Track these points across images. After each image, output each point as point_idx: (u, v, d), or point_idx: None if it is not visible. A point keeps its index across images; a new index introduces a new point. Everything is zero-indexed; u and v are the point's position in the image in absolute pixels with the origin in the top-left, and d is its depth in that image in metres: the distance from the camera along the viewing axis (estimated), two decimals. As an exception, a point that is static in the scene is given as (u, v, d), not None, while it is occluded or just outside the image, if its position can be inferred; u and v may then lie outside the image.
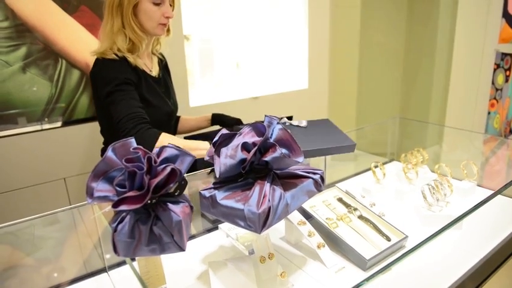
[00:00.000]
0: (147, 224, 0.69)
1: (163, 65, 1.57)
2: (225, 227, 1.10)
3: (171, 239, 0.71)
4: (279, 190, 0.79)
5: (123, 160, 0.65)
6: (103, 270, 1.02)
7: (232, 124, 1.62)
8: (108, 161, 0.67)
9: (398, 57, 3.39)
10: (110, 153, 0.67)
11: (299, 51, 2.92)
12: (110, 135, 1.45)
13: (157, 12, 1.32)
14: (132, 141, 0.70)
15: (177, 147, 0.70)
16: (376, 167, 1.39)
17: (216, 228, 1.13)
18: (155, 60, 1.52)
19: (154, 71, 1.48)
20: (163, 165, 0.67)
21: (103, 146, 1.53)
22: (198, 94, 2.48)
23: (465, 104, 3.42)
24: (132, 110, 1.24)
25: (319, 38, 2.94)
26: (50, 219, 1.04)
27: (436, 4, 3.14)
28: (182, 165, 0.70)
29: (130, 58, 1.34)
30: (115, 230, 0.69)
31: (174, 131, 1.66)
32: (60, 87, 1.82)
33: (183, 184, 0.72)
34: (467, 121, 3.48)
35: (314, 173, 0.87)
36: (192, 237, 1.12)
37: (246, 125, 1.48)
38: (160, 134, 1.23)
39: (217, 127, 1.67)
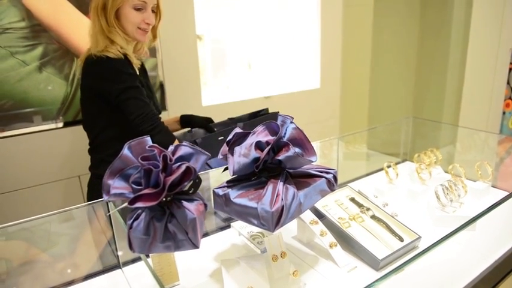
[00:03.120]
0: (162, 221, 0.70)
1: (143, 68, 1.56)
2: (238, 225, 1.11)
3: (186, 236, 0.72)
4: (292, 189, 0.80)
5: (139, 158, 0.66)
6: (117, 266, 1.03)
7: (201, 124, 1.60)
8: (124, 159, 0.69)
9: (411, 56, 3.36)
10: (126, 151, 0.69)
11: (311, 50, 2.91)
12: (95, 134, 1.46)
13: (137, 17, 1.34)
14: (148, 140, 0.71)
15: (192, 145, 0.71)
16: (389, 166, 1.39)
17: (229, 226, 1.14)
18: (137, 62, 1.52)
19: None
20: (179, 163, 0.68)
21: (89, 147, 1.51)
22: (211, 93, 2.50)
23: (479, 103, 3.38)
24: (146, 109, 1.31)
25: (332, 38, 2.93)
26: (65, 216, 1.06)
27: (450, 3, 3.11)
28: (197, 163, 0.71)
29: (132, 58, 1.36)
30: (131, 227, 0.70)
31: None
32: (76, 86, 1.85)
33: (197, 182, 0.73)
34: (481, 121, 3.44)
35: (327, 173, 0.88)
36: (204, 235, 1.13)
37: (217, 123, 1.47)
38: (174, 141, 1.32)
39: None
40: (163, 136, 1.32)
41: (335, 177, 0.88)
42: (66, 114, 1.86)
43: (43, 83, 1.77)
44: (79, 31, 1.81)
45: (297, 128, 0.84)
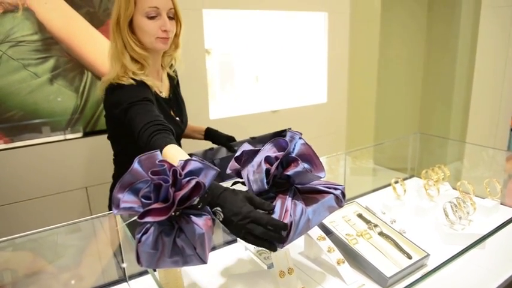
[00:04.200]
0: (170, 236, 0.70)
1: (175, 82, 1.49)
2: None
3: (194, 252, 0.71)
4: (300, 205, 0.80)
5: (149, 172, 0.67)
6: (123, 279, 1.03)
7: (223, 142, 1.54)
8: (134, 173, 0.69)
9: (418, 71, 3.37)
10: (136, 165, 0.69)
11: (318, 65, 2.93)
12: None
13: (152, 25, 1.24)
14: (158, 154, 0.71)
15: (202, 160, 0.71)
16: (396, 182, 1.38)
17: (235, 240, 1.13)
18: (165, 77, 1.45)
19: (164, 91, 1.41)
20: (188, 178, 0.69)
21: (113, 157, 1.46)
22: (218, 107, 2.51)
23: (487, 120, 3.36)
24: (150, 119, 1.12)
25: (339, 53, 2.94)
26: (72, 228, 1.06)
27: (456, 18, 3.12)
28: (206, 178, 0.71)
29: (149, 81, 1.27)
30: (139, 241, 0.70)
31: None
32: (85, 99, 1.87)
33: (206, 197, 0.73)
34: (489, 137, 3.41)
35: (335, 189, 0.87)
36: (211, 249, 1.13)
37: (239, 142, 1.41)
38: (167, 145, 1.06)
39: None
40: (160, 139, 1.10)
41: (343, 194, 0.88)
42: (75, 126, 1.88)
43: (54, 95, 1.79)
44: (90, 44, 1.84)
45: (306, 144, 0.84)
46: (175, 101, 1.46)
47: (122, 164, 1.44)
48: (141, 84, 1.26)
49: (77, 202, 1.95)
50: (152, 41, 1.27)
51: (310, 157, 0.82)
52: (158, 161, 0.69)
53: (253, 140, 1.53)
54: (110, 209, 1.40)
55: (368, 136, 3.22)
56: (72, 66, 1.81)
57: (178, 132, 1.41)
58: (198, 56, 2.23)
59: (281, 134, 1.60)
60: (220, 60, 2.53)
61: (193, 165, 0.71)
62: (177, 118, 1.43)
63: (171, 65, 1.48)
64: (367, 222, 1.13)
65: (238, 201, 0.76)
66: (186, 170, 0.71)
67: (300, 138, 0.83)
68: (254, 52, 2.66)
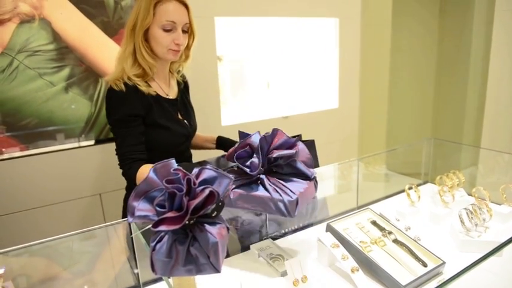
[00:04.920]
0: (184, 245, 0.70)
1: (182, 87, 1.55)
2: (257, 247, 1.11)
3: (207, 260, 0.71)
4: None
5: (163, 181, 0.67)
6: (137, 287, 1.03)
7: None
8: (149, 181, 0.69)
9: (430, 76, 3.34)
10: (151, 173, 0.70)
11: (330, 71, 2.92)
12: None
13: (166, 38, 1.31)
14: (173, 163, 0.72)
15: (216, 169, 0.71)
16: (410, 189, 1.36)
17: (248, 248, 1.13)
18: (173, 82, 1.51)
19: (171, 93, 1.46)
20: (202, 187, 0.69)
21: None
22: (230, 113, 2.52)
23: (502, 124, 3.30)
24: (122, 150, 1.30)
25: (350, 58, 2.93)
26: (87, 235, 1.07)
27: (469, 22, 3.09)
28: (220, 187, 0.71)
29: (142, 87, 1.33)
30: (153, 249, 0.70)
31: None
32: (99, 106, 1.89)
33: (220, 205, 0.73)
34: (504, 142, 3.36)
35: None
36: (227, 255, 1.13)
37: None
38: (139, 169, 1.27)
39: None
40: (128, 176, 1.32)
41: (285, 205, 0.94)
42: (90, 134, 1.90)
43: (69, 103, 1.82)
44: (104, 53, 1.86)
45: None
46: (182, 105, 1.50)
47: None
48: (131, 92, 1.31)
49: (91, 208, 1.97)
50: (164, 51, 1.34)
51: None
52: (173, 170, 0.69)
53: (223, 158, 1.53)
54: (124, 218, 1.43)
55: (380, 142, 3.19)
56: (87, 74, 1.84)
57: (185, 133, 1.46)
58: (210, 63, 2.24)
59: None
60: (231, 67, 2.54)
61: (208, 173, 0.71)
62: (185, 121, 1.47)
63: (179, 70, 1.55)
64: (381, 229, 1.12)
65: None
66: (200, 179, 0.71)
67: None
68: (265, 58, 2.67)
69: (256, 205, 0.95)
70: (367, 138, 3.14)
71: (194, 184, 0.68)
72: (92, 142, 1.92)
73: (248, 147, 0.97)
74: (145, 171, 1.22)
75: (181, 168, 0.72)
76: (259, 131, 0.99)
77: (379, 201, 1.49)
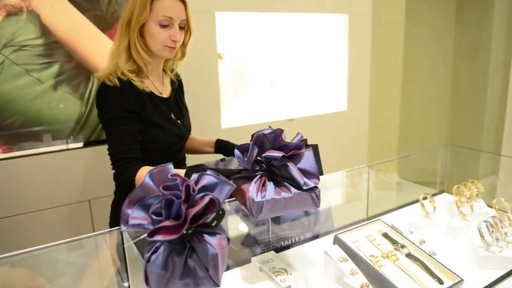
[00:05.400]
0: (181, 256, 0.70)
1: (176, 86, 1.58)
2: (259, 259, 1.10)
3: (206, 274, 0.71)
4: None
5: (160, 187, 0.67)
6: (128, 301, 1.03)
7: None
8: (145, 187, 0.69)
9: (446, 76, 3.34)
10: (147, 179, 0.69)
11: (338, 70, 2.93)
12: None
13: (163, 34, 1.34)
14: (170, 167, 0.72)
15: (217, 175, 0.71)
16: (425, 199, 1.36)
17: (249, 261, 1.13)
18: (167, 81, 1.55)
19: (165, 92, 1.50)
20: (202, 194, 0.69)
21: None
22: (230, 115, 2.52)
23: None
24: (119, 149, 1.31)
25: (360, 57, 2.94)
26: (75, 244, 1.07)
27: (489, 19, 3.10)
28: (221, 194, 0.71)
29: (137, 82, 1.36)
30: (148, 261, 0.70)
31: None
32: (91, 106, 1.89)
33: (220, 214, 0.73)
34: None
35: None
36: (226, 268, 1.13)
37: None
38: (138, 170, 1.29)
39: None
40: (123, 177, 1.33)
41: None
42: (78, 136, 1.90)
43: (57, 102, 1.82)
44: (97, 49, 1.87)
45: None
46: (176, 104, 1.53)
47: None
48: (125, 87, 1.34)
49: (79, 216, 1.96)
50: (160, 48, 1.37)
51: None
52: (171, 175, 0.69)
53: (222, 162, 1.54)
54: (112, 226, 1.44)
55: (392, 147, 3.19)
56: (78, 72, 1.85)
57: (179, 133, 1.49)
58: (210, 61, 2.25)
59: None
60: (233, 65, 2.55)
61: (208, 180, 0.71)
62: (178, 121, 1.51)
63: (172, 69, 1.58)
64: (394, 242, 1.11)
65: None
66: (199, 185, 0.71)
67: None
68: (269, 57, 2.67)
69: (238, 196, 1.04)
70: (378, 143, 3.14)
71: (193, 191, 0.68)
72: (81, 144, 1.92)
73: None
74: (144, 174, 1.23)
75: (179, 173, 0.72)
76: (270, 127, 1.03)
77: (391, 212, 1.49)
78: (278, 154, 0.97)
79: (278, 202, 0.97)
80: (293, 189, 0.98)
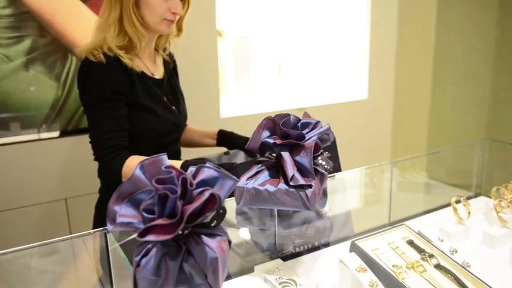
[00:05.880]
0: (176, 260, 0.71)
1: (170, 68, 1.60)
2: (264, 268, 1.12)
3: (204, 280, 0.73)
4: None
5: (153, 181, 0.68)
6: (113, 313, 1.04)
7: (241, 145, 1.59)
8: (135, 181, 0.71)
9: (487, 62, 3.33)
10: (137, 171, 0.71)
11: (357, 53, 2.93)
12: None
13: (162, 5, 1.35)
14: (164, 158, 0.73)
15: (218, 168, 0.72)
16: (458, 202, 1.37)
17: (252, 270, 1.14)
18: (159, 61, 1.57)
19: (157, 73, 1.52)
20: (200, 189, 0.70)
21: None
22: (231, 102, 2.53)
23: None
24: (103, 136, 1.33)
25: (384, 38, 2.94)
26: (49, 249, 1.08)
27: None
28: (222, 190, 0.72)
29: (125, 59, 1.37)
30: (138, 265, 0.71)
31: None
32: (68, 89, 1.91)
33: (221, 213, 0.74)
34: None
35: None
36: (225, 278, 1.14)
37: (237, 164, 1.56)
38: (127, 159, 1.31)
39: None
40: (108, 167, 1.35)
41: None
42: (54, 123, 1.92)
43: (29, 84, 1.83)
44: (76, 22, 1.88)
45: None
46: (170, 88, 1.56)
47: None
48: (112, 64, 1.35)
49: (54, 216, 1.98)
50: (157, 21, 1.38)
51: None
52: (165, 167, 0.70)
53: (226, 156, 1.56)
54: (96, 228, 1.45)
55: (420, 142, 3.19)
56: (53, 48, 1.86)
57: (174, 121, 1.50)
58: (208, 39, 2.25)
59: None
60: (234, 45, 2.56)
61: (207, 173, 0.72)
62: (173, 107, 1.52)
63: (165, 48, 1.59)
64: (420, 251, 1.13)
65: None
66: (198, 179, 0.72)
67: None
68: (277, 36, 2.68)
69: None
70: (404, 137, 3.15)
71: (191, 185, 0.69)
72: (57, 134, 1.94)
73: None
74: (133, 164, 1.25)
75: (174, 165, 0.73)
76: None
77: (418, 216, 1.50)
78: (271, 140, 1.02)
79: (260, 194, 1.01)
80: (281, 184, 1.01)
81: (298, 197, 1.00)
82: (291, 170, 1.00)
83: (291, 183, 0.99)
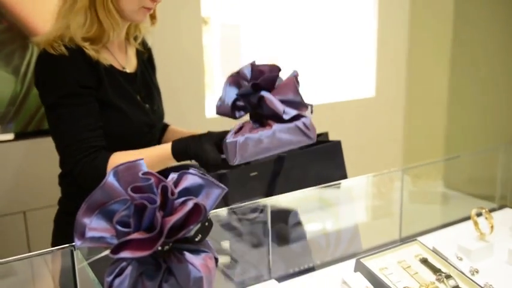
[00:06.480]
0: (155, 280, 0.72)
1: (144, 59, 1.60)
2: (256, 292, 1.12)
3: (187, 304, 0.73)
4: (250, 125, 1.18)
5: (128, 189, 0.69)
6: None
7: None
8: (108, 189, 0.71)
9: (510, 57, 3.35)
10: (111, 178, 0.71)
11: (363, 44, 2.94)
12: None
13: None
14: (141, 164, 0.74)
15: (202, 175, 0.73)
16: (479, 215, 1.38)
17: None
18: (132, 52, 1.56)
19: (128, 67, 1.51)
20: (183, 199, 0.70)
21: (61, 170, 1.53)
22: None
23: None
24: (79, 137, 1.31)
25: (394, 25, 2.96)
26: (4, 269, 1.07)
27: None
28: (208, 199, 0.73)
29: (90, 51, 1.36)
30: (110, 286, 0.72)
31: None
32: (29, 84, 1.90)
33: (207, 226, 0.75)
34: None
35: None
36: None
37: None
38: (109, 157, 1.32)
39: None
40: (89, 172, 1.33)
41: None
42: (10, 124, 1.91)
43: (-19, 78, 1.83)
44: (39, 6, 1.87)
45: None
46: (143, 83, 1.55)
47: (71, 182, 1.48)
48: (76, 56, 1.33)
49: (9, 232, 1.97)
50: (134, 10, 1.36)
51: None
52: (142, 174, 0.71)
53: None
54: (55, 246, 1.44)
55: (436, 146, 3.20)
56: (11, 36, 1.85)
57: (147, 121, 1.49)
58: (191, 27, 2.25)
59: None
60: (222, 34, 2.56)
61: (191, 180, 0.73)
62: (147, 105, 1.51)
63: (136, 37, 1.57)
64: (436, 271, 1.14)
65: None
66: (180, 187, 0.73)
67: None
68: (272, 24, 2.68)
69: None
70: (417, 140, 3.16)
71: (172, 194, 0.70)
72: (11, 136, 1.93)
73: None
74: (116, 161, 1.27)
75: (153, 172, 0.74)
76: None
77: (433, 231, 1.51)
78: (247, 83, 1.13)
79: (259, 143, 1.07)
80: (275, 125, 1.08)
81: (297, 130, 1.08)
82: (279, 105, 1.07)
83: (285, 117, 1.07)
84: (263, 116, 1.13)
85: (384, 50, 2.93)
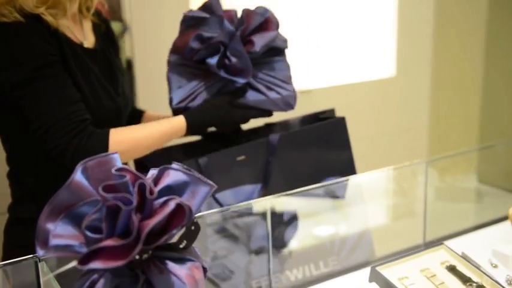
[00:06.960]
0: (132, 294, 0.71)
1: (102, 32, 1.58)
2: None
3: (169, 321, 0.73)
4: None
5: (99, 188, 0.68)
6: None
7: (221, 133, 1.59)
8: (75, 189, 0.70)
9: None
10: (78, 175, 0.70)
11: (381, 18, 2.93)
12: (19, 155, 1.46)
13: None
14: (115, 158, 0.73)
15: (187, 170, 0.72)
16: (517, 214, 1.38)
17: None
18: (87, 26, 1.54)
19: (87, 41, 1.49)
20: (164, 199, 0.70)
21: (9, 168, 1.50)
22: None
23: None
24: (63, 112, 1.27)
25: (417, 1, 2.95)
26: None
27: None
28: (193, 199, 0.72)
29: (48, 16, 1.32)
30: (80, 302, 0.72)
31: None
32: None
33: (193, 230, 0.74)
34: None
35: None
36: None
37: (248, 131, 1.67)
38: (109, 134, 1.30)
39: None
40: (86, 153, 1.22)
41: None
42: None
43: None
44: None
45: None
46: (104, 61, 1.53)
47: (28, 172, 1.46)
48: (34, 23, 1.30)
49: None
50: None
51: None
52: (115, 170, 0.70)
53: (268, 128, 1.58)
54: (6, 259, 1.43)
55: (468, 134, 3.20)
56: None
57: (113, 107, 1.48)
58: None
59: (318, 117, 1.62)
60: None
61: (174, 177, 0.72)
62: (111, 88, 1.50)
63: (88, 7, 1.53)
64: (466, 280, 1.13)
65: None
66: (161, 185, 0.72)
67: None
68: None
69: None
70: (445, 127, 3.15)
71: (151, 193, 0.69)
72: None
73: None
74: (118, 139, 1.32)
75: (128, 167, 0.73)
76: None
77: (463, 234, 1.51)
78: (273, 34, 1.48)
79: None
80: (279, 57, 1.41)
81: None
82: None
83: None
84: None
85: (405, 25, 2.92)
